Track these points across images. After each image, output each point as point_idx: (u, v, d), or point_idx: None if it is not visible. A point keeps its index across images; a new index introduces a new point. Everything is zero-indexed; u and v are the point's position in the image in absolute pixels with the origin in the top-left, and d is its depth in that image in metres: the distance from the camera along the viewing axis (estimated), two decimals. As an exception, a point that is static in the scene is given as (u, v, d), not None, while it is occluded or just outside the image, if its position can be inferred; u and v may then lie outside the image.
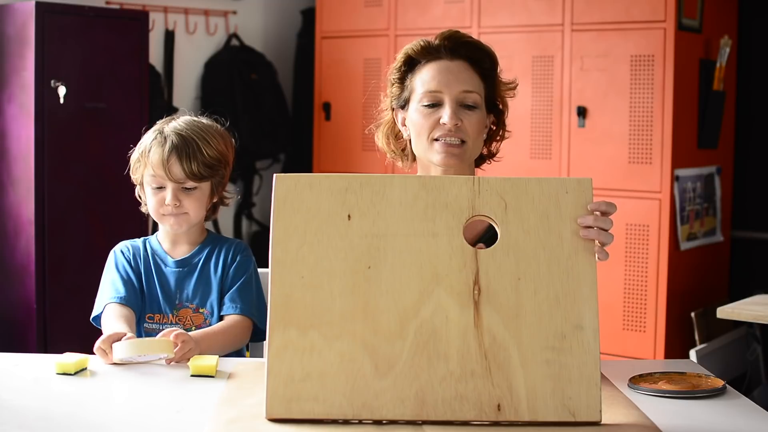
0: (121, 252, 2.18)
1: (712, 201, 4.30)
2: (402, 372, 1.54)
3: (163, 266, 2.16)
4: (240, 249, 2.17)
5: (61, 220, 3.91)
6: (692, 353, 3.75)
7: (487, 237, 1.99)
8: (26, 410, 1.58)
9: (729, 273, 4.52)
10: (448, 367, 1.54)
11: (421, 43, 2.07)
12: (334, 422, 1.53)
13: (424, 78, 2.05)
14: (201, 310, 2.13)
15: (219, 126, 2.18)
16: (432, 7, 4.54)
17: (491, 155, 2.17)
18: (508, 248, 1.57)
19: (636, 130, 4.02)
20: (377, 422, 1.53)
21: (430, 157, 2.05)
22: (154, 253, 2.17)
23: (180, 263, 2.16)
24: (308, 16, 5.21)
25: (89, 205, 3.99)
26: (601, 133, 4.10)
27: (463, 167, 2.06)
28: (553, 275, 1.56)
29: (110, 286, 2.12)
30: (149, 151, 2.09)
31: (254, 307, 2.12)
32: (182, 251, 2.17)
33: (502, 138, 2.17)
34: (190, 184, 2.09)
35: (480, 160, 2.16)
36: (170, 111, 4.78)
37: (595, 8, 4.10)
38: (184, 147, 2.07)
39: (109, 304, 2.09)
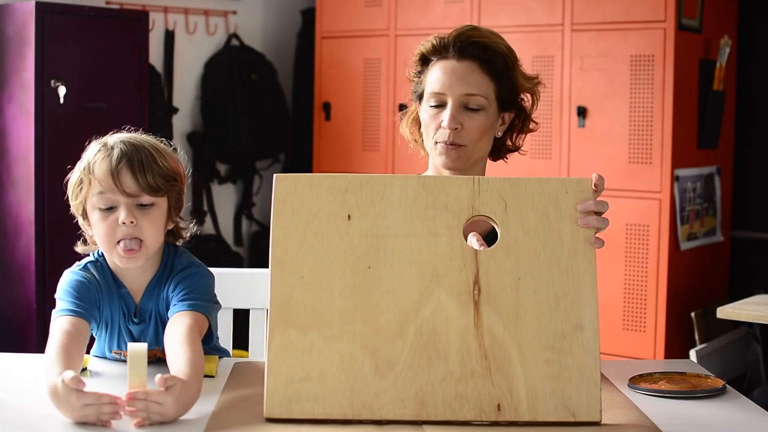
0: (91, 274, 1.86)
1: (712, 201, 4.29)
2: (402, 372, 1.54)
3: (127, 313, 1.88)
4: (179, 269, 1.86)
5: (61, 220, 3.89)
6: (692, 353, 3.75)
7: (490, 237, 1.99)
8: (26, 410, 1.58)
9: (729, 273, 4.52)
10: (448, 367, 1.54)
11: (433, 41, 2.07)
12: (334, 422, 1.53)
13: (432, 78, 2.06)
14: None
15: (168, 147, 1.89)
16: (432, 7, 4.54)
17: (516, 148, 2.17)
18: (508, 248, 1.57)
19: (636, 130, 4.01)
20: (377, 422, 1.53)
21: (434, 158, 2.07)
22: (120, 298, 1.87)
23: (137, 317, 1.87)
24: (308, 16, 5.21)
25: (89, 205, 3.98)
26: (601, 133, 4.10)
27: (467, 168, 2.06)
28: (553, 275, 1.56)
29: (68, 290, 1.82)
30: (94, 165, 1.79)
31: (202, 301, 1.83)
32: (136, 288, 1.86)
33: (528, 130, 2.16)
34: (145, 199, 1.78)
35: (503, 152, 2.16)
36: (170, 111, 4.78)
37: (595, 8, 4.10)
38: (135, 154, 1.78)
39: (59, 317, 1.76)
